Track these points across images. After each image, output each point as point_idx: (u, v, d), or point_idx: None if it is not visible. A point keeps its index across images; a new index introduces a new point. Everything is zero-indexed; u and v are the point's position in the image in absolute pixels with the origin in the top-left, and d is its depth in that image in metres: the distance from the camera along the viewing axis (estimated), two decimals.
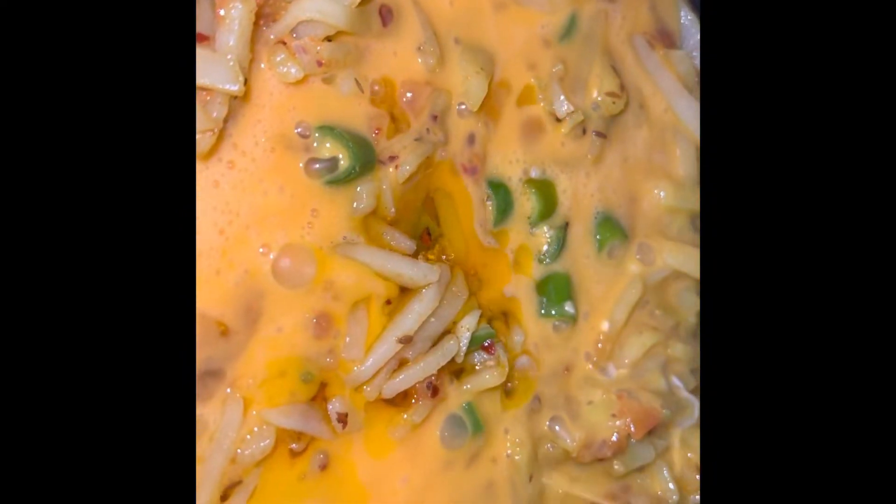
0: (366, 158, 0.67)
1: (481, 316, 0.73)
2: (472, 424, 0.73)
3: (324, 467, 0.68)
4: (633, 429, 0.78)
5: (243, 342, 0.64)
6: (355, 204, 0.67)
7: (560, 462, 0.78)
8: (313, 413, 0.67)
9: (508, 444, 0.76)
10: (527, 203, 0.76)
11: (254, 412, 0.64)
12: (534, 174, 0.77)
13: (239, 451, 0.64)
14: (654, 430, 0.80)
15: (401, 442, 0.71)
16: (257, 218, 0.64)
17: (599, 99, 0.78)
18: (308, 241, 0.65)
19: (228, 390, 0.64)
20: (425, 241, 0.71)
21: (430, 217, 0.72)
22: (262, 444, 0.64)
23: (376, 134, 0.68)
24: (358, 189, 0.67)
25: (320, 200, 0.66)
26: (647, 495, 0.81)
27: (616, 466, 0.79)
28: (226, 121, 0.60)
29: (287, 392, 0.65)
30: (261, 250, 0.64)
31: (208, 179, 0.62)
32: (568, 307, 0.78)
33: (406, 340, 0.68)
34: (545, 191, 0.77)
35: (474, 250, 0.75)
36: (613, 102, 0.78)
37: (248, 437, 0.64)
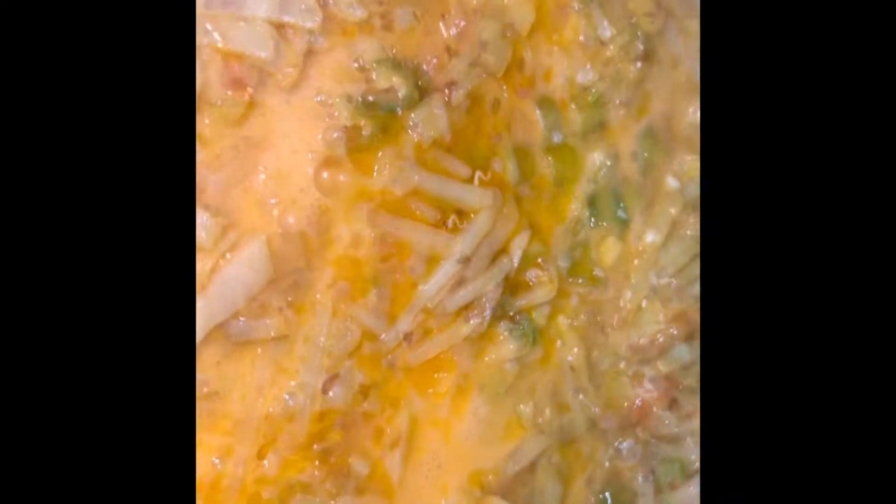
0: (423, 87, 0.69)
1: (532, 235, 0.76)
2: (530, 335, 0.77)
3: (392, 367, 0.73)
4: (675, 332, 0.83)
5: (320, 251, 0.68)
6: (412, 131, 0.70)
7: (613, 364, 0.83)
8: (385, 321, 0.71)
9: (566, 352, 0.80)
10: (574, 119, 0.79)
11: (342, 306, 0.69)
12: (580, 86, 0.79)
13: (332, 346, 0.69)
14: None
15: (464, 358, 0.76)
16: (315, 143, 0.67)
17: (635, 20, 0.80)
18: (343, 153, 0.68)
19: (318, 296, 0.68)
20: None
21: (486, 141, 0.75)
22: (349, 337, 0.69)
23: (432, 63, 0.70)
24: (413, 116, 0.70)
25: (378, 127, 0.69)
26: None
27: (661, 367, 0.84)
28: (304, 56, 0.63)
29: (361, 296, 0.70)
30: (309, 155, 0.67)
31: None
32: (620, 213, 0.81)
33: (465, 260, 0.72)
34: (593, 108, 0.80)
35: (530, 165, 0.78)
36: (651, 22, 0.80)
37: (338, 333, 0.69)
